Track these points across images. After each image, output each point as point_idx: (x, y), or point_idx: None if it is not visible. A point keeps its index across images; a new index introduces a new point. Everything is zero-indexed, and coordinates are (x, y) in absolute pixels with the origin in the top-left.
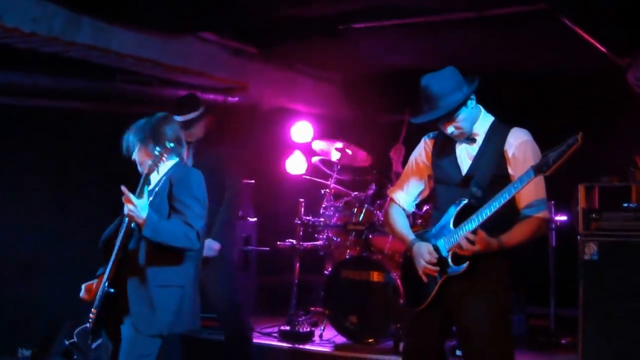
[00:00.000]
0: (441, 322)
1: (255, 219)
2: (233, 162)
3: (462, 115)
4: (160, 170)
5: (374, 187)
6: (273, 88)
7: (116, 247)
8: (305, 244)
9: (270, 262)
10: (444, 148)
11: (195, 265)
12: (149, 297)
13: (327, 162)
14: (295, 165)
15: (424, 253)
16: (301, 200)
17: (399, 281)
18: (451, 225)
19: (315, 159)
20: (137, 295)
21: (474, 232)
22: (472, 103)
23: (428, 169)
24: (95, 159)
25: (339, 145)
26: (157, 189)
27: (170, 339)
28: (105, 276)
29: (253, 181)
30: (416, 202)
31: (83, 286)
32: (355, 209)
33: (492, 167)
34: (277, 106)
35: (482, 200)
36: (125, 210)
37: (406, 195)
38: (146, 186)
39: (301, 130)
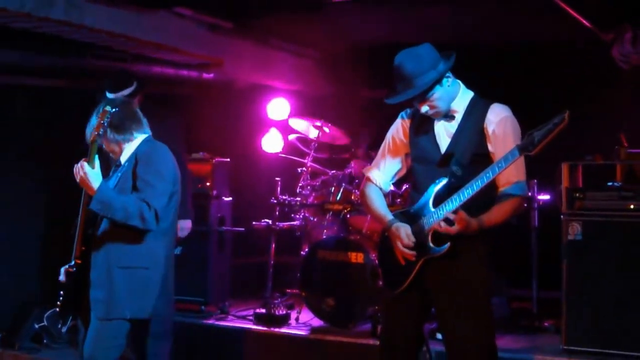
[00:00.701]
0: (420, 304)
1: (230, 198)
2: (178, 136)
3: (437, 94)
4: (128, 148)
5: (352, 165)
6: (249, 64)
7: (78, 223)
8: (282, 224)
9: (245, 243)
10: (422, 125)
11: (166, 246)
12: (110, 279)
13: (304, 140)
14: (272, 143)
15: (402, 236)
16: (277, 179)
17: (377, 262)
18: (431, 205)
19: (292, 137)
20: (98, 278)
21: (455, 212)
22: (447, 81)
23: (405, 147)
24: (68, 138)
25: (317, 122)
26: (124, 168)
27: (157, 337)
28: (72, 256)
29: (228, 159)
30: (393, 181)
31: (62, 269)
32: (333, 188)
33: (472, 144)
34: (253, 82)
35: (462, 179)
36: (77, 178)
37: (382, 175)
38: (96, 155)
39: (278, 108)
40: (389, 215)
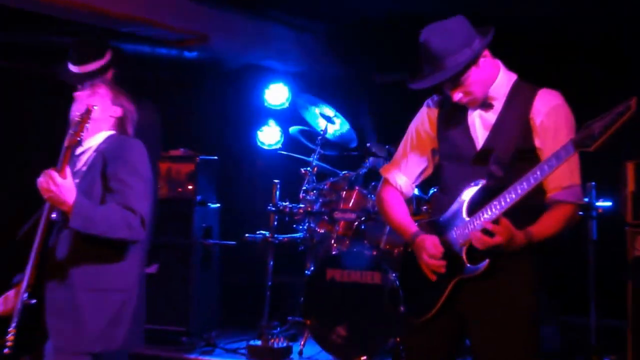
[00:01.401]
0: (451, 334)
1: (217, 205)
2: (152, 130)
3: (473, 77)
4: (87, 143)
5: (368, 163)
6: (241, 40)
7: (35, 246)
8: (281, 236)
9: (237, 260)
10: (453, 116)
11: (141, 263)
12: (74, 305)
13: (308, 134)
14: (269, 137)
15: (427, 246)
16: (276, 181)
17: (398, 282)
18: (464, 214)
19: (293, 130)
20: (59, 304)
21: (495, 221)
22: (485, 61)
23: (432, 142)
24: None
25: (325, 111)
26: (84, 167)
27: None
28: (24, 284)
29: (215, 157)
30: (417, 183)
31: (18, 299)
32: (344, 193)
33: (515, 138)
34: (246, 63)
35: (504, 181)
36: (45, 194)
37: (404, 176)
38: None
39: (276, 93)
40: (412, 227)
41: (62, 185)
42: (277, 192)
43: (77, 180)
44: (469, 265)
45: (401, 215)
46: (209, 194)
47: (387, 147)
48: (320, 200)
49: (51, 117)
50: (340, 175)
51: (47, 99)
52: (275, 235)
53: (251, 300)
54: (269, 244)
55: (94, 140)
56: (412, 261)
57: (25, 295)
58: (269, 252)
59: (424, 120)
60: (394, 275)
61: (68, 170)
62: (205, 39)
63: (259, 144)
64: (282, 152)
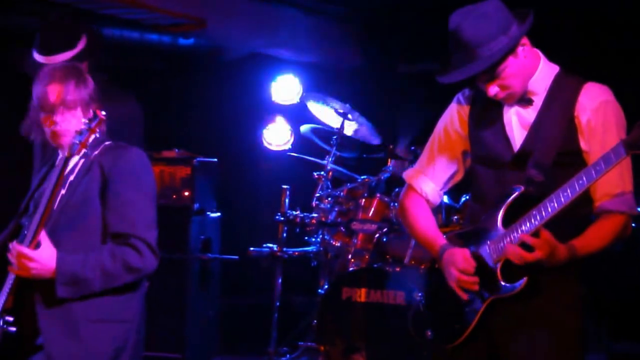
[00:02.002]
0: None
1: (218, 214)
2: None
3: (510, 68)
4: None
5: (390, 168)
6: (244, 25)
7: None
8: (291, 250)
9: (240, 277)
10: (486, 113)
11: (143, 291)
12: (76, 334)
13: (322, 133)
14: (277, 137)
15: (457, 260)
16: (284, 187)
17: (425, 304)
18: (500, 225)
19: (305, 128)
20: (57, 332)
21: (535, 234)
22: (524, 50)
23: (463, 142)
24: None
25: (340, 107)
26: (71, 177)
27: None
28: None
29: (215, 159)
30: (445, 190)
31: None
32: (363, 201)
33: (558, 139)
34: (250, 52)
35: (544, 188)
36: (26, 274)
37: (431, 182)
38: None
39: (286, 87)
40: (439, 239)
41: (40, 259)
42: (287, 200)
43: (63, 192)
44: (504, 283)
45: (427, 227)
46: (208, 201)
47: (412, 148)
48: (336, 209)
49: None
50: (359, 180)
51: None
52: (284, 249)
53: (256, 324)
54: (276, 258)
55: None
56: (440, 279)
57: (1, 321)
58: (277, 268)
59: (454, 118)
60: (419, 295)
61: (42, 234)
62: (203, 24)
63: (264, 144)
64: (292, 154)
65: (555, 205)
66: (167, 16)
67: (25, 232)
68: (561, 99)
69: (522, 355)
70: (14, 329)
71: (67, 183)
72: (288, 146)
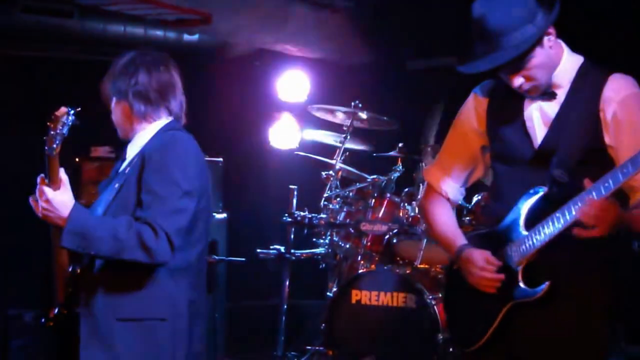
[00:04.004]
0: None
1: (224, 215)
2: None
3: (537, 59)
4: (137, 140)
5: (400, 167)
6: (250, 21)
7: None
8: (299, 252)
9: (246, 279)
10: (506, 106)
11: (189, 289)
12: (110, 338)
13: (331, 134)
14: (284, 135)
15: (476, 259)
16: (292, 187)
17: (436, 307)
18: (522, 227)
19: (310, 134)
20: (91, 336)
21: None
22: (550, 40)
23: (482, 138)
24: None
25: (349, 105)
26: (128, 169)
27: None
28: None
29: (221, 159)
30: (466, 186)
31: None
32: (373, 201)
33: (582, 135)
34: (256, 47)
35: (569, 188)
36: (38, 212)
37: (451, 180)
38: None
39: (293, 84)
40: (459, 239)
41: (53, 200)
42: (294, 200)
43: (116, 185)
44: (525, 287)
45: (447, 227)
46: (214, 201)
47: (431, 146)
48: (345, 209)
49: None
50: (369, 180)
51: None
52: (292, 251)
53: (264, 327)
54: (284, 260)
55: (146, 132)
56: (459, 281)
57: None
58: (285, 271)
59: (471, 113)
60: (430, 297)
61: (61, 177)
62: (209, 20)
63: (271, 143)
64: (299, 153)
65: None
66: (172, 12)
67: None
68: (585, 92)
69: None
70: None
71: (121, 173)
72: (295, 145)
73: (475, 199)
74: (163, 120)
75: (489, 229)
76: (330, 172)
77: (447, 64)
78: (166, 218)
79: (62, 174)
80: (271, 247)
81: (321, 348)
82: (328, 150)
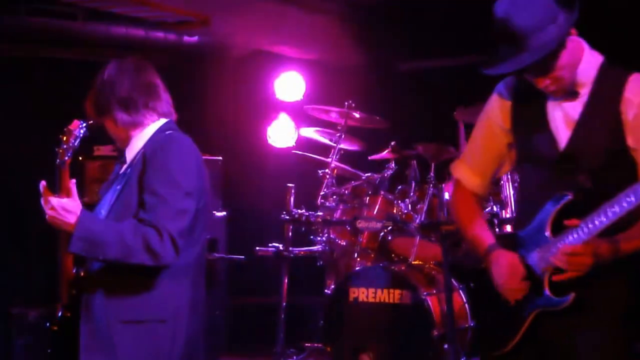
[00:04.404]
0: None
1: (223, 213)
2: None
3: (562, 59)
4: (136, 142)
5: (393, 165)
6: (248, 23)
7: (61, 263)
8: (297, 249)
9: (246, 277)
10: (530, 107)
11: (190, 289)
12: (109, 340)
13: (326, 131)
14: (281, 134)
15: (503, 264)
16: (290, 185)
17: (431, 303)
18: (548, 233)
19: (306, 131)
20: (92, 338)
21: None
22: (572, 39)
23: (507, 135)
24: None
25: (343, 105)
26: (128, 170)
27: None
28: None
29: (220, 158)
30: (494, 180)
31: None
32: (368, 198)
33: (604, 137)
34: (254, 49)
35: (594, 195)
36: (47, 219)
37: (477, 176)
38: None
39: (289, 84)
40: (487, 238)
41: (59, 207)
42: (292, 198)
43: (118, 187)
44: (551, 296)
45: (475, 224)
46: (213, 200)
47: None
48: (341, 207)
49: None
50: (364, 178)
51: None
52: (290, 249)
53: (263, 324)
54: (282, 258)
55: (144, 133)
56: (487, 281)
57: (60, 313)
58: (283, 268)
59: (495, 111)
60: (425, 293)
61: (70, 187)
62: (208, 22)
63: (269, 142)
64: (296, 152)
65: (604, 220)
66: (173, 14)
67: None
68: (606, 93)
69: None
70: (61, 323)
71: (122, 175)
72: (292, 143)
73: None
74: (158, 122)
75: (518, 232)
76: (326, 170)
77: (437, 66)
78: (170, 220)
79: (72, 183)
80: (269, 244)
81: (319, 344)
82: (324, 148)
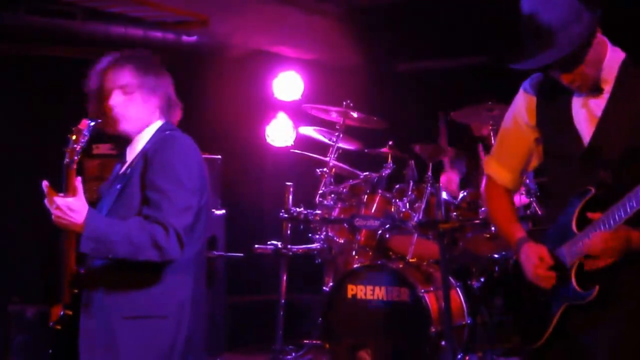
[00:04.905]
0: None
1: (223, 211)
2: None
3: (587, 56)
4: (139, 141)
5: (391, 164)
6: (246, 23)
7: (64, 261)
8: (295, 247)
9: (245, 274)
10: (555, 103)
11: (192, 285)
12: (111, 337)
13: (324, 130)
14: (279, 133)
15: (534, 254)
16: (288, 184)
17: (428, 300)
18: (574, 227)
19: (305, 129)
20: (94, 335)
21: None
22: (595, 37)
23: (534, 131)
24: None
25: (341, 105)
26: (129, 171)
27: None
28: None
29: (219, 156)
30: (524, 175)
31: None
32: (365, 197)
33: (626, 132)
34: (252, 49)
35: (614, 190)
36: (53, 219)
37: (508, 170)
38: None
39: (287, 84)
40: (518, 232)
41: (65, 207)
42: (290, 197)
43: (118, 186)
44: (577, 289)
45: (506, 218)
46: (212, 198)
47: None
48: (339, 205)
49: None
50: (361, 176)
51: None
52: (289, 246)
53: (262, 321)
54: (281, 256)
55: (146, 132)
56: (519, 274)
57: (62, 312)
58: (282, 266)
59: (522, 108)
60: (422, 291)
61: (77, 186)
62: (206, 22)
63: (267, 141)
64: (295, 151)
65: (622, 215)
66: (172, 14)
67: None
68: (629, 89)
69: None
70: (64, 322)
71: (122, 174)
72: (291, 143)
73: (461, 195)
74: (158, 122)
75: (548, 227)
76: (325, 169)
77: (435, 66)
78: (176, 216)
79: (78, 182)
80: (268, 242)
81: (318, 342)
82: (322, 147)
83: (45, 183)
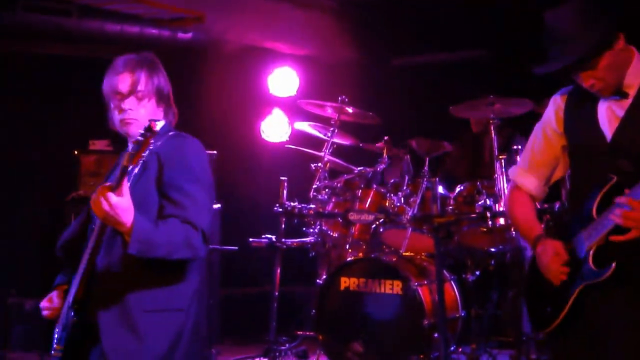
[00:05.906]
0: (588, 351)
1: (217, 205)
2: None
3: (605, 61)
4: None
5: (386, 159)
6: (241, 19)
7: (85, 258)
8: (290, 241)
9: (239, 267)
10: (582, 106)
11: (199, 276)
12: (132, 325)
13: (319, 125)
14: (275, 129)
15: (547, 251)
16: (283, 178)
17: (422, 293)
18: (594, 213)
19: (300, 125)
20: (113, 324)
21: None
22: (618, 44)
23: (561, 139)
24: None
25: (336, 100)
26: (137, 169)
27: None
28: (70, 298)
29: (214, 152)
30: (550, 183)
31: (41, 306)
32: (360, 192)
33: None
34: (247, 45)
35: (633, 178)
36: (98, 213)
37: (535, 178)
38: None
39: (282, 80)
40: (536, 229)
41: (117, 205)
42: (285, 191)
43: (128, 183)
44: (593, 268)
45: (525, 217)
46: None
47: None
48: (333, 199)
49: None
50: (356, 172)
51: None
52: (283, 240)
53: (256, 313)
54: (275, 249)
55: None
56: (537, 267)
57: (72, 312)
58: (276, 259)
59: (551, 117)
60: (416, 284)
61: (125, 188)
62: (202, 18)
63: (263, 136)
64: (290, 146)
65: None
66: (167, 11)
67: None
68: None
69: (620, 347)
70: (77, 317)
71: (132, 175)
72: (285, 138)
73: (457, 189)
74: (161, 122)
75: (567, 221)
76: (319, 164)
77: (430, 61)
78: (201, 215)
79: (125, 185)
80: (263, 236)
81: (311, 333)
82: (317, 143)
83: (107, 183)
